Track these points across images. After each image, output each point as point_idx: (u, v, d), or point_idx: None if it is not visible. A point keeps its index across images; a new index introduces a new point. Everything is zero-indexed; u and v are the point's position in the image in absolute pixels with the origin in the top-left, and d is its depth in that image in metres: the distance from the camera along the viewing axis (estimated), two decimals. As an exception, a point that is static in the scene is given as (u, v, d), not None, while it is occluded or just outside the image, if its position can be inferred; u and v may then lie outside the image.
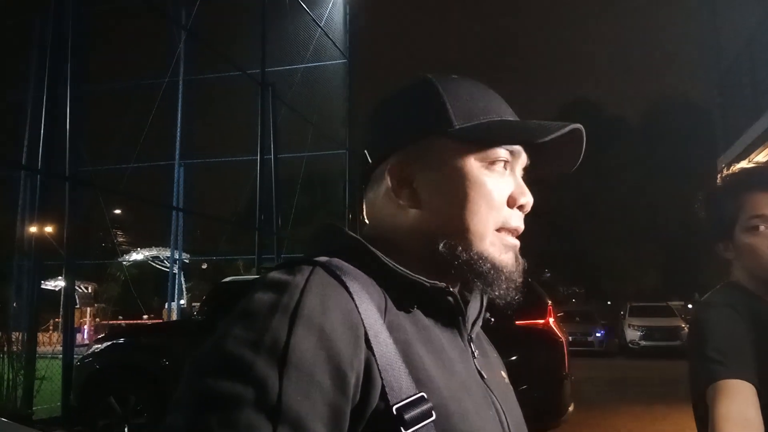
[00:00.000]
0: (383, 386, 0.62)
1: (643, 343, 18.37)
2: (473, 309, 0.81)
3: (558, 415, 5.62)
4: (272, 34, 13.24)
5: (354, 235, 0.76)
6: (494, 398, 0.76)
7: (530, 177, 0.82)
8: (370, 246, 0.73)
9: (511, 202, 0.76)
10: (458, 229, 0.75)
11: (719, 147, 11.33)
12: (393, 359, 0.64)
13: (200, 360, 0.61)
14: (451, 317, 0.76)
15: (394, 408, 0.61)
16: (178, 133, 18.83)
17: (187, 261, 23.48)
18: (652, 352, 17.64)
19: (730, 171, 1.47)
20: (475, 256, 0.74)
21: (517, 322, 5.42)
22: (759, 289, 1.39)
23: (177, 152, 19.18)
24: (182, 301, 21.57)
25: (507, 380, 0.86)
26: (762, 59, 9.25)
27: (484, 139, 0.76)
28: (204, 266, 26.22)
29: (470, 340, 0.79)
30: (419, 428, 0.61)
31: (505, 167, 0.77)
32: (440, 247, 0.74)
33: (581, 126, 0.76)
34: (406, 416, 0.61)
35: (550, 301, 6.02)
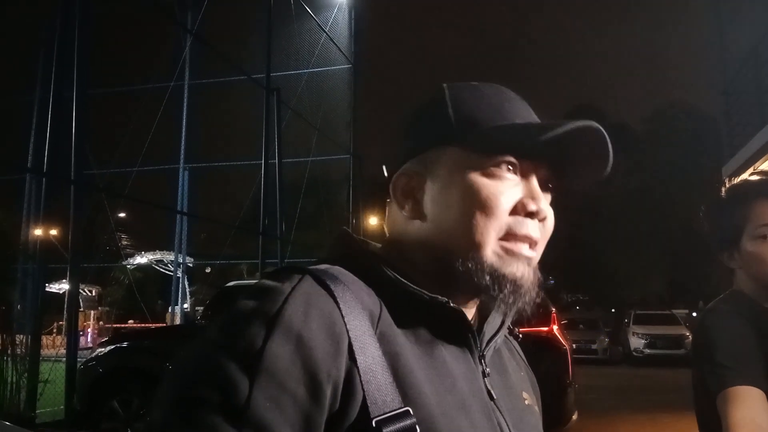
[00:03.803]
0: (365, 398, 0.60)
1: (647, 351, 18.28)
2: (491, 326, 0.78)
3: (562, 424, 5.60)
4: (278, 38, 13.29)
5: (360, 243, 0.76)
6: (502, 419, 0.73)
7: (564, 186, 0.78)
8: (372, 255, 0.73)
9: (519, 208, 0.72)
10: (456, 239, 0.72)
11: (724, 154, 11.31)
12: (378, 371, 0.62)
13: (179, 362, 0.62)
14: (459, 333, 0.74)
15: (374, 421, 0.60)
16: (183, 137, 18.91)
17: (190, 265, 23.57)
18: (655, 360, 17.54)
19: (736, 180, 1.47)
20: (473, 268, 0.70)
21: (520, 330, 5.41)
22: (763, 298, 1.39)
23: (182, 156, 19.26)
24: (186, 305, 21.61)
25: (528, 402, 0.83)
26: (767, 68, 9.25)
27: (484, 144, 0.72)
28: (208, 270, 26.23)
29: (482, 357, 0.76)
30: None
31: (515, 172, 0.73)
32: (442, 259, 0.72)
33: (593, 123, 0.70)
34: (385, 430, 0.59)
35: (554, 309, 6.01)
